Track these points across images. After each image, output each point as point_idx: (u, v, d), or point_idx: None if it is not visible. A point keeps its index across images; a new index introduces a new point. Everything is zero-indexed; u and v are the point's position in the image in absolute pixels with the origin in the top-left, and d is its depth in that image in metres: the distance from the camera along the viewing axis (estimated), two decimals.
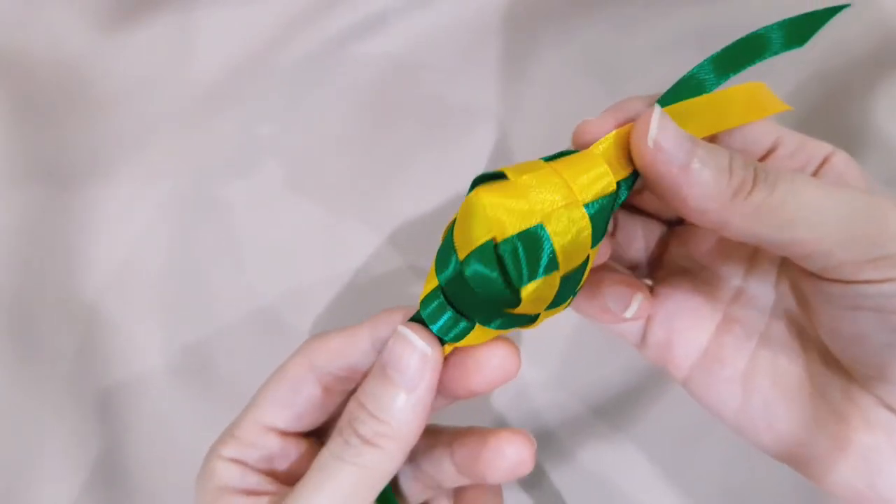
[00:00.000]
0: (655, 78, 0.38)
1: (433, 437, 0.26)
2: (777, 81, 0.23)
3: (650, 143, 0.20)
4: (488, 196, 0.21)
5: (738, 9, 0.38)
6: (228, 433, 0.26)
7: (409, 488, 0.27)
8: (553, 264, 0.20)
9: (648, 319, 0.26)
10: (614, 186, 0.21)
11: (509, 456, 0.24)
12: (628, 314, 0.24)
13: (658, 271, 0.28)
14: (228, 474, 0.25)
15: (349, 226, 0.37)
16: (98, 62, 0.39)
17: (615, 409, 0.35)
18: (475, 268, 0.21)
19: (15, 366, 0.36)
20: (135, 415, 0.36)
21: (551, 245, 0.20)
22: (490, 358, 0.23)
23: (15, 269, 0.37)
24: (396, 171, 0.38)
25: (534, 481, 0.35)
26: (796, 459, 0.24)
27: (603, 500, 0.35)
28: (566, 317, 0.29)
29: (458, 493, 0.27)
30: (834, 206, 0.20)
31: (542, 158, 0.22)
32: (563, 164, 0.21)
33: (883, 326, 0.21)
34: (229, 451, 0.25)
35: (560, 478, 0.35)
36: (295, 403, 0.25)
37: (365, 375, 0.24)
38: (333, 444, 0.23)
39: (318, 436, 0.27)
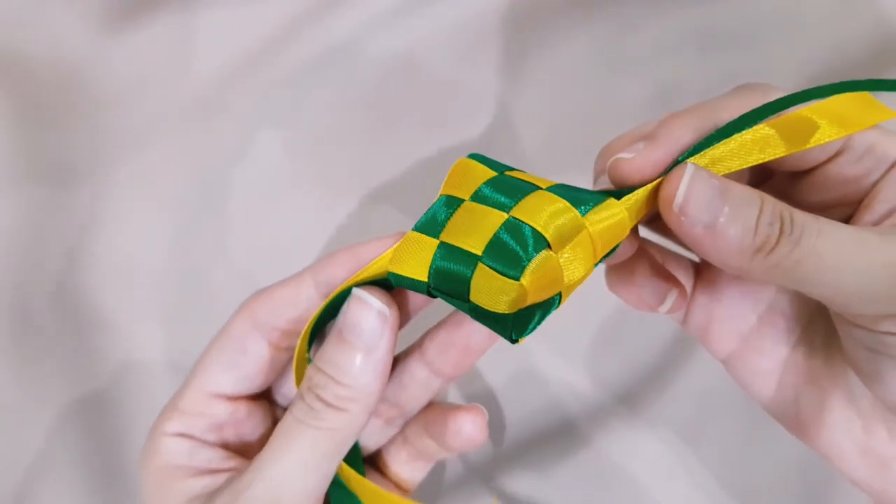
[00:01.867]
0: (655, 78, 0.38)
1: (397, 364, 0.26)
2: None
3: (675, 209, 0.20)
4: (532, 281, 0.20)
5: (738, 9, 0.38)
6: (171, 406, 0.24)
7: (368, 426, 0.27)
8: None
9: (690, 301, 0.26)
10: (624, 237, 0.21)
11: None
12: (662, 310, 0.24)
13: None
14: (174, 451, 0.24)
15: (349, 225, 0.37)
16: (98, 62, 0.39)
17: (634, 396, 0.35)
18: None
19: (15, 365, 0.36)
20: (135, 415, 0.36)
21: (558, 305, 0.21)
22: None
23: (15, 268, 0.37)
24: (397, 170, 0.38)
25: (544, 470, 0.35)
26: (815, 446, 0.24)
27: (613, 488, 0.35)
28: (579, 309, 0.29)
29: (419, 420, 0.27)
30: (855, 266, 0.19)
31: (578, 201, 0.21)
32: (599, 223, 0.21)
33: None
34: (173, 425, 0.24)
35: (575, 464, 0.35)
36: (241, 364, 0.24)
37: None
38: (296, 410, 0.22)
39: (268, 398, 0.26)
